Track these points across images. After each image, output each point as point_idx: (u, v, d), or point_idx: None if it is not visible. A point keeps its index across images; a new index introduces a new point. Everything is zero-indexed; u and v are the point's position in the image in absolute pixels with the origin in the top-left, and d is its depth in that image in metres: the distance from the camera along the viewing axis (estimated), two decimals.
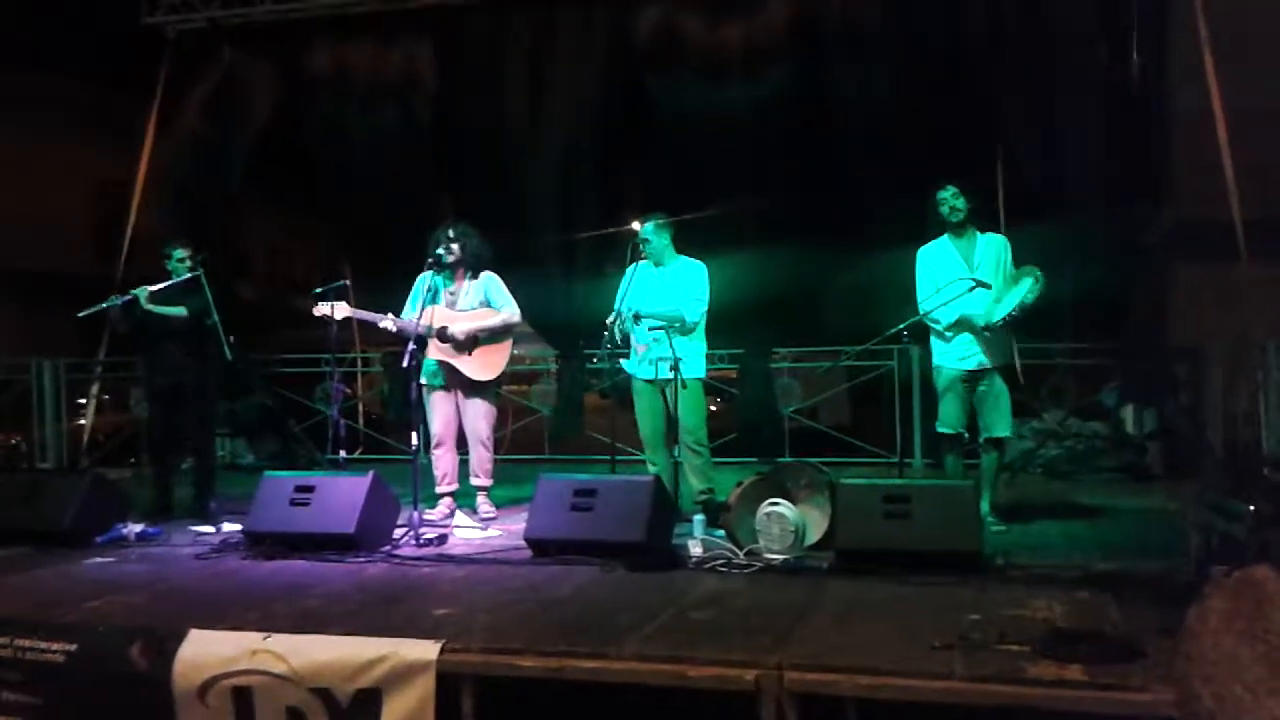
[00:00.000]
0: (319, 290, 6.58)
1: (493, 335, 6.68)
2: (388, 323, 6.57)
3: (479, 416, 6.71)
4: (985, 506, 5.97)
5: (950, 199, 6.07)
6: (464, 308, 6.69)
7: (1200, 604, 3.16)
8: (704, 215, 7.38)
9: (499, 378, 6.77)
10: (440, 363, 6.61)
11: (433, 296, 6.61)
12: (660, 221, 6.47)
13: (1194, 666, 3.06)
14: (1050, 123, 8.44)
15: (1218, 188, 7.64)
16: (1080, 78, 8.35)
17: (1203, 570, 3.77)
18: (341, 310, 6.43)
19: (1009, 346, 6.12)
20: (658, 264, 6.49)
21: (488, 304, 6.72)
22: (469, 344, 6.62)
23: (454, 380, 6.67)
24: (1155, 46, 8.31)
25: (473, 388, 6.68)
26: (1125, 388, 8.61)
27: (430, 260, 6.54)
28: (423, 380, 6.61)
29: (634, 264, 6.41)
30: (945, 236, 6.16)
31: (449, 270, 6.67)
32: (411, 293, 6.78)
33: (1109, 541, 5.67)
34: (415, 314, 6.48)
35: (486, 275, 6.78)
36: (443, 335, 6.57)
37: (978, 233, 6.15)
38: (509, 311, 6.72)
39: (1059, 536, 5.90)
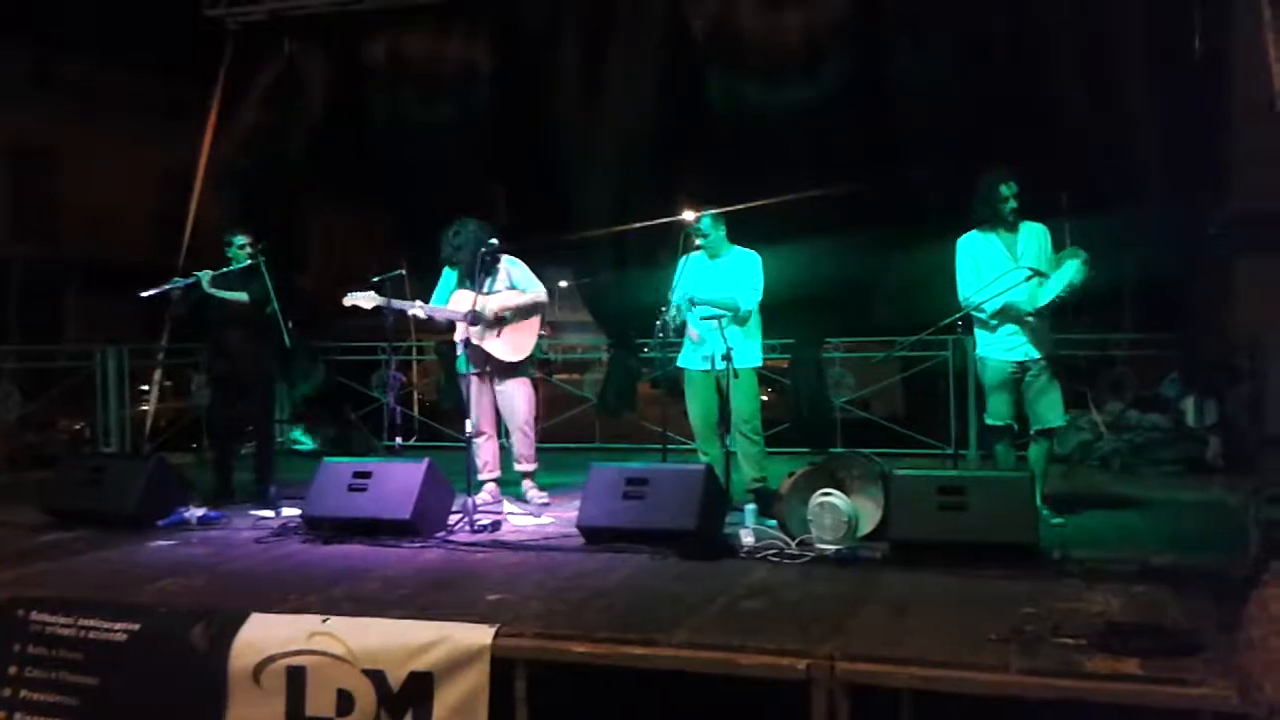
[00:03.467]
0: (376, 280, 6.68)
1: (520, 314, 6.75)
2: (417, 310, 6.67)
3: (514, 400, 6.78)
4: (1037, 499, 5.92)
5: (1011, 194, 5.97)
6: (490, 292, 6.73)
7: (1261, 593, 3.11)
8: (756, 205, 7.36)
9: (529, 359, 6.84)
10: (469, 346, 6.64)
11: (460, 283, 6.75)
12: (716, 213, 6.47)
13: (1255, 656, 3.02)
14: (1111, 111, 8.31)
15: None
16: (1142, 65, 8.21)
17: (1262, 565, 3.71)
18: (369, 300, 6.45)
19: (1052, 336, 6.05)
20: (712, 255, 6.49)
21: (513, 286, 6.80)
22: (496, 324, 6.69)
23: (486, 365, 6.74)
24: (1219, 33, 8.15)
25: (504, 371, 6.76)
26: (1186, 379, 8.47)
27: (486, 250, 6.61)
28: (459, 369, 6.72)
29: (686, 254, 6.42)
30: (984, 227, 6.08)
31: (464, 265, 6.72)
32: (439, 285, 6.89)
33: (1168, 535, 5.59)
34: (443, 304, 6.66)
35: (507, 259, 6.84)
36: (472, 320, 6.63)
37: (1018, 223, 6.07)
38: (535, 291, 6.80)
39: (1117, 529, 5.83)
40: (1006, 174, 6.01)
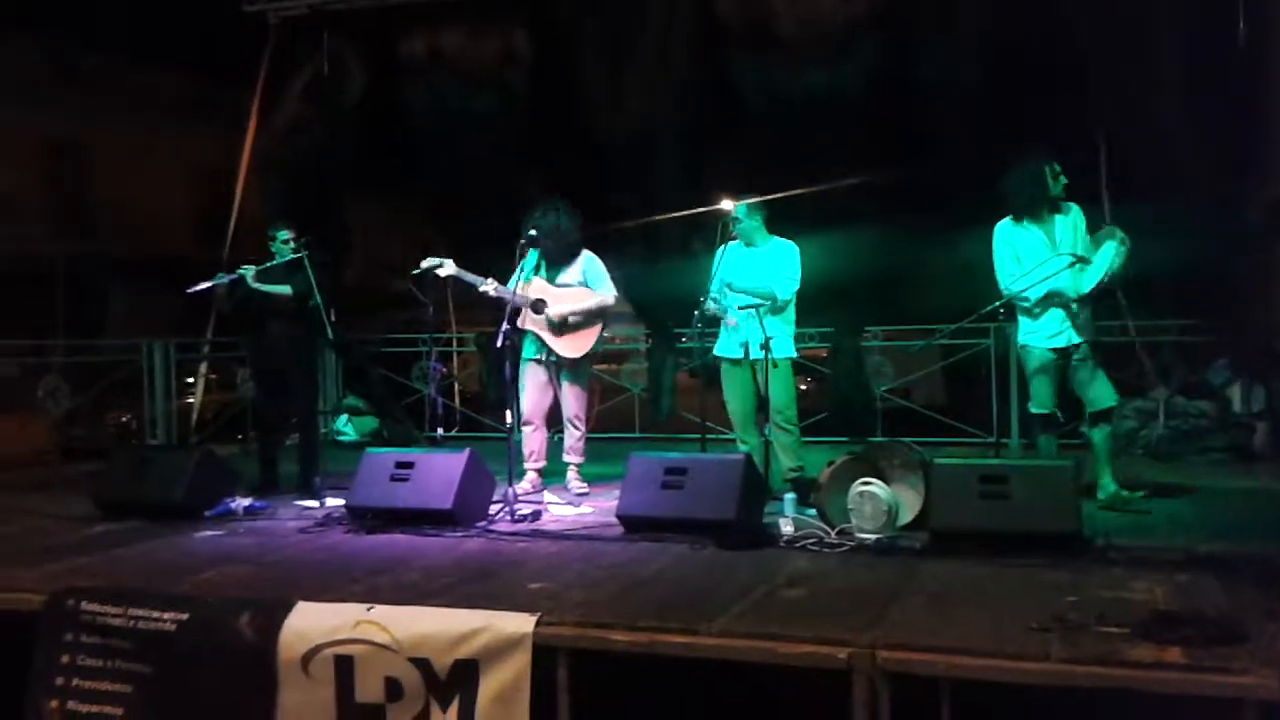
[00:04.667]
0: (417, 271, 6.74)
1: (586, 317, 6.78)
2: (488, 287, 6.69)
3: (570, 394, 6.84)
4: (1111, 484, 5.95)
5: (1059, 172, 5.93)
6: (563, 284, 6.80)
7: None
8: (795, 194, 7.34)
9: (589, 356, 6.86)
10: (535, 336, 6.75)
11: (535, 270, 6.75)
12: (752, 202, 6.46)
13: None
14: (1153, 97, 8.22)
15: None
16: (1182, 47, 8.10)
17: None
18: (447, 268, 6.60)
19: (1095, 324, 6.01)
20: (749, 244, 6.48)
21: (585, 284, 6.82)
22: (561, 324, 6.72)
23: (547, 355, 6.80)
24: (1261, 15, 8.03)
25: (564, 365, 6.81)
26: (1233, 366, 8.37)
27: (526, 240, 6.64)
28: (525, 355, 6.78)
29: (724, 244, 6.42)
30: (1021, 214, 6.03)
31: (545, 248, 6.75)
32: (519, 266, 6.90)
33: (1213, 523, 5.54)
34: (516, 285, 6.65)
35: (586, 255, 6.88)
36: (537, 308, 6.68)
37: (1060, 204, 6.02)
38: (605, 293, 6.83)
39: (1162, 517, 5.77)
40: (1047, 156, 5.96)
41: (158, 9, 16.48)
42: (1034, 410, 6.11)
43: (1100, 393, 6.01)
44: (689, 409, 8.87)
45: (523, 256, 6.68)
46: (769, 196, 6.57)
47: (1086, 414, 6.08)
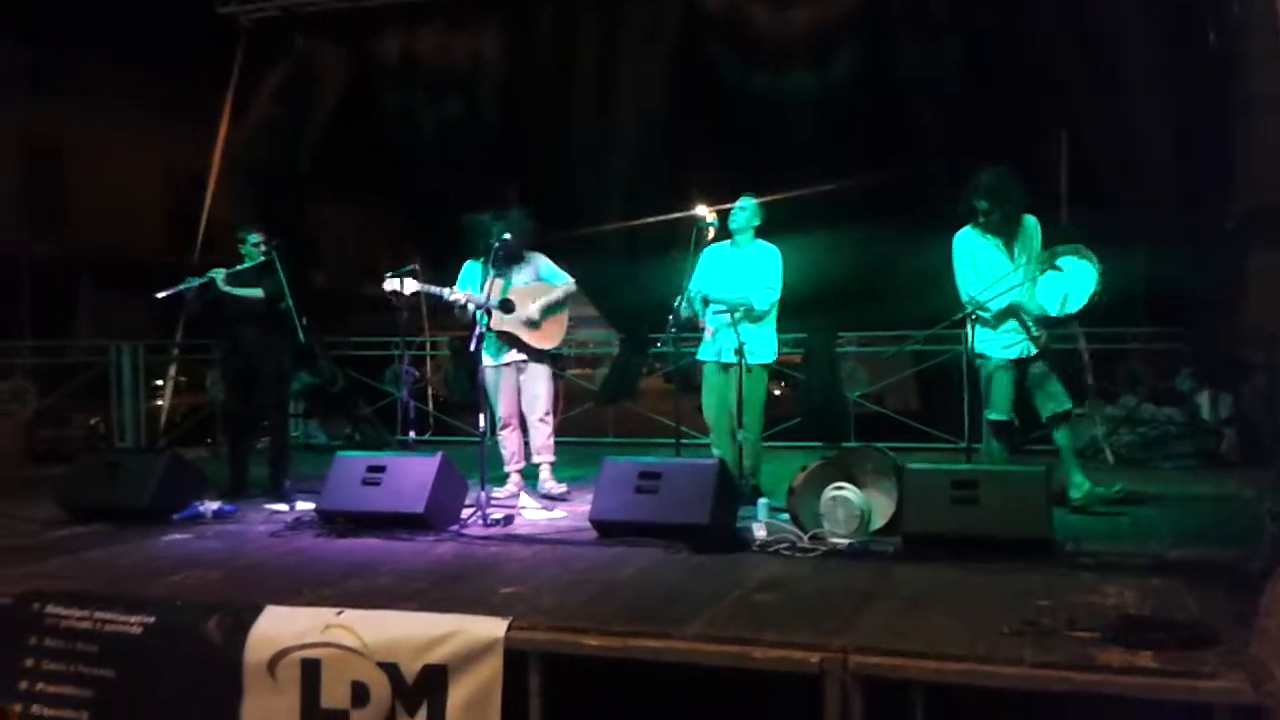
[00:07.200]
0: (389, 274, 6.72)
1: (554, 307, 6.84)
2: (456, 295, 6.69)
3: (537, 387, 6.85)
4: (1085, 482, 6.06)
5: (982, 210, 6.01)
6: (519, 283, 6.83)
7: (1275, 583, 3.10)
8: (771, 199, 7.35)
9: (558, 349, 6.94)
10: (500, 335, 6.73)
11: (491, 272, 6.75)
12: (759, 201, 6.49)
13: (1268, 644, 3.01)
14: (1124, 106, 8.27)
15: None
16: (1155, 59, 8.16)
17: (1277, 557, 3.70)
18: (410, 285, 6.56)
19: (1046, 331, 6.09)
20: (734, 244, 6.48)
21: (540, 279, 6.86)
22: (537, 319, 6.76)
23: (513, 353, 6.81)
24: (1232, 28, 8.10)
25: (532, 358, 6.83)
26: (1200, 373, 8.44)
27: (488, 246, 6.62)
28: (486, 362, 6.73)
29: (705, 247, 6.42)
30: (977, 225, 6.09)
31: (499, 255, 6.73)
32: (461, 275, 6.91)
33: (1183, 528, 5.57)
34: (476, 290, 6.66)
35: (536, 254, 6.94)
36: (506, 308, 6.68)
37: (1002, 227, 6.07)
38: (566, 283, 6.93)
39: (1131, 523, 5.81)
40: (981, 188, 6.00)
41: (133, 10, 16.37)
42: (992, 417, 6.12)
43: (1055, 398, 6.07)
44: (663, 413, 8.87)
45: (507, 260, 6.66)
46: (768, 198, 6.61)
47: (1044, 419, 6.12)
